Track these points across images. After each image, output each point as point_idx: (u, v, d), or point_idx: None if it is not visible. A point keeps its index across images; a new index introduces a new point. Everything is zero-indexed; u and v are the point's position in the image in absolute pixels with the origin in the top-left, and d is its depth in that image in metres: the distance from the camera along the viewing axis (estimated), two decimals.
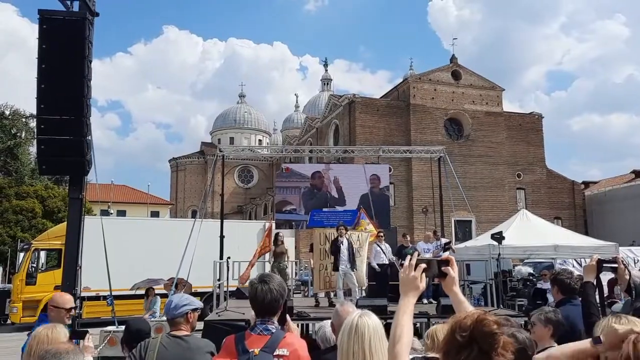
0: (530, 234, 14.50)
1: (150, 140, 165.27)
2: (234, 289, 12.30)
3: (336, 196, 15.11)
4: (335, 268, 10.44)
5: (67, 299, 3.72)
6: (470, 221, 34.46)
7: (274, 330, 2.59)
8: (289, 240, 19.99)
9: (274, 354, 2.51)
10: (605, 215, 41.42)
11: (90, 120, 6.38)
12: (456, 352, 1.47)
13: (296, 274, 19.35)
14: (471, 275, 14.64)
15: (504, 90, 45.20)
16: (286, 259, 11.94)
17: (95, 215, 22.99)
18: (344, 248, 10.39)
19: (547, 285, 11.73)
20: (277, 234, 12.06)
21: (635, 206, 35.63)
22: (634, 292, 2.97)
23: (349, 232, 10.93)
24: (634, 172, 44.09)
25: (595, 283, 2.91)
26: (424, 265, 1.82)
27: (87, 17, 6.11)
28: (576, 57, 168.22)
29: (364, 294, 11.07)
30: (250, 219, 58.35)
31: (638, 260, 13.82)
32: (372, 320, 2.10)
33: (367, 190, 15.21)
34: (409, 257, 1.87)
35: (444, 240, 12.68)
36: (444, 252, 11.57)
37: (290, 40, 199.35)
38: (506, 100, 69.52)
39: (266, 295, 2.61)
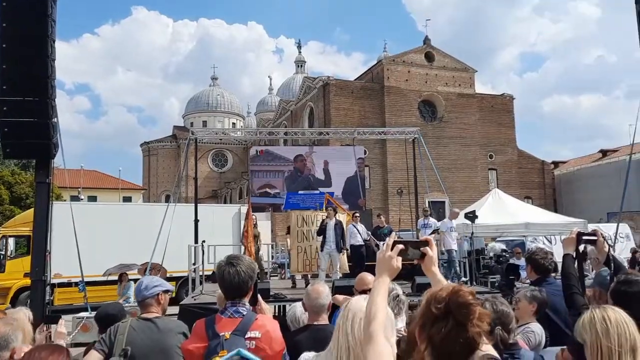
0: (502, 212, 14.77)
1: (122, 124, 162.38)
2: (210, 272, 12.24)
3: (321, 178, 15.07)
4: (321, 248, 10.61)
5: None
6: (444, 202, 34.87)
7: (245, 313, 2.54)
8: (265, 223, 19.96)
9: (246, 336, 2.46)
10: (574, 194, 42.46)
11: (56, 102, 6.17)
12: (432, 325, 1.46)
13: (273, 256, 19.35)
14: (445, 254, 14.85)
15: (477, 71, 45.56)
16: (259, 242, 12.01)
17: (65, 201, 22.45)
18: (330, 229, 10.52)
19: (519, 261, 12.00)
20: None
21: (602, 185, 36.52)
22: (612, 264, 3.00)
23: (337, 214, 11.11)
24: (601, 151, 45.21)
25: (575, 256, 2.93)
26: (400, 246, 1.81)
27: None
28: (549, 38, 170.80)
29: (341, 276, 11.21)
30: (225, 203, 57.97)
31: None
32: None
33: (353, 172, 15.22)
34: (389, 237, 1.86)
35: (432, 221, 12.59)
36: (431, 234, 11.81)
37: (265, 20, 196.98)
38: (479, 82, 70.28)
39: (233, 278, 2.56)
